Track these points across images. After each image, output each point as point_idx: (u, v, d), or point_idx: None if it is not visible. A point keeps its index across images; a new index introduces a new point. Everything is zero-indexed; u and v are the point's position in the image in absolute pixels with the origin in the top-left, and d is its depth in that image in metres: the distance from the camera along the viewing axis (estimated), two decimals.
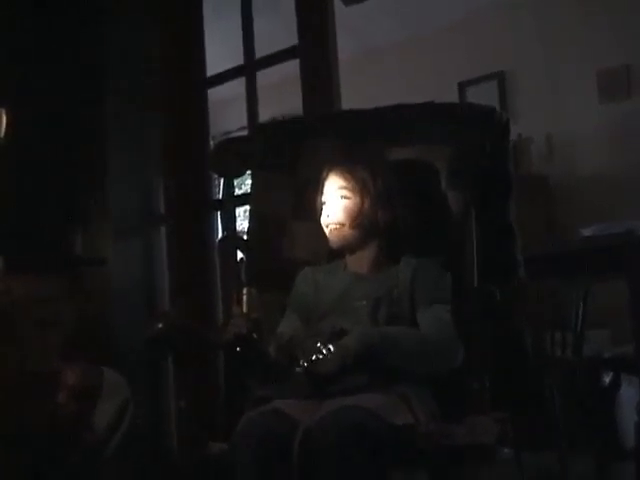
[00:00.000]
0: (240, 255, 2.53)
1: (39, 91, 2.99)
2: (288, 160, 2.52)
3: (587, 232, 3.35)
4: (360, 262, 2.27)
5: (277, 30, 3.72)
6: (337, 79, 3.03)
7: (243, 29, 3.23)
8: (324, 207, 2.28)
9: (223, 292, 3.22)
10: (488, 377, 2.10)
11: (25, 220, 2.70)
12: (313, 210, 2.31)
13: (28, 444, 1.69)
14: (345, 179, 2.25)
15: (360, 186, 2.23)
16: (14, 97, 1.78)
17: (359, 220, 2.22)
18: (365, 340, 2.00)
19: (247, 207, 2.74)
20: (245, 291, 2.09)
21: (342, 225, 2.24)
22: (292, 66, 3.16)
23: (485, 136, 2.32)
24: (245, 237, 2.60)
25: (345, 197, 2.24)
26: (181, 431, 3.08)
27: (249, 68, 3.23)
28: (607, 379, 3.75)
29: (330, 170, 2.29)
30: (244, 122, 4.02)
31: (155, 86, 3.40)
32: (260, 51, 3.29)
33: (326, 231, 2.27)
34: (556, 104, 5.28)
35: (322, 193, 2.29)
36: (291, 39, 3.12)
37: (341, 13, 3.16)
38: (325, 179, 2.29)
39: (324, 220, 2.27)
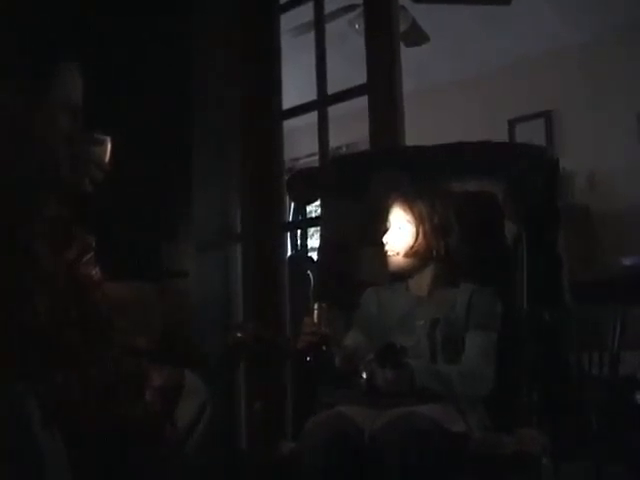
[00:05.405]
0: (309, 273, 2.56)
1: (133, 119, 3.06)
2: (355, 190, 2.52)
3: (627, 261, 3.35)
4: (419, 285, 2.28)
5: (344, 64, 3.77)
6: (402, 115, 3.05)
7: (317, 68, 3.26)
8: (385, 235, 2.29)
9: (291, 305, 3.29)
10: (536, 393, 2.11)
11: (121, 235, 2.76)
12: (377, 236, 2.31)
13: (119, 438, 1.73)
14: (404, 210, 2.26)
15: (416, 217, 2.24)
16: (112, 125, 1.83)
17: (413, 249, 2.23)
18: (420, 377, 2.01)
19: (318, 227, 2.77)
20: (317, 306, 2.09)
21: (397, 253, 2.25)
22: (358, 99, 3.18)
23: (537, 173, 2.32)
24: (315, 257, 2.62)
25: (402, 227, 2.26)
26: (253, 431, 3.12)
27: (322, 103, 3.26)
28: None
29: (392, 201, 2.30)
30: (310, 149, 4.04)
31: (237, 117, 3.45)
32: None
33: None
34: (598, 142, 5.26)
35: (385, 221, 2.30)
36: (356, 73, 3.13)
37: (402, 53, 3.17)
38: (387, 209, 2.30)
39: (385, 247, 2.28)
